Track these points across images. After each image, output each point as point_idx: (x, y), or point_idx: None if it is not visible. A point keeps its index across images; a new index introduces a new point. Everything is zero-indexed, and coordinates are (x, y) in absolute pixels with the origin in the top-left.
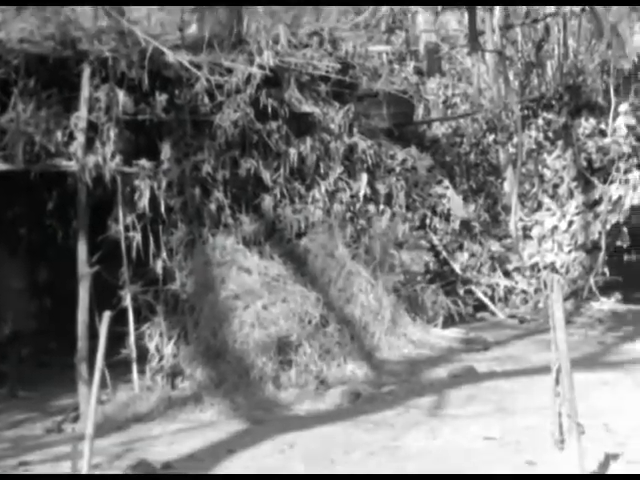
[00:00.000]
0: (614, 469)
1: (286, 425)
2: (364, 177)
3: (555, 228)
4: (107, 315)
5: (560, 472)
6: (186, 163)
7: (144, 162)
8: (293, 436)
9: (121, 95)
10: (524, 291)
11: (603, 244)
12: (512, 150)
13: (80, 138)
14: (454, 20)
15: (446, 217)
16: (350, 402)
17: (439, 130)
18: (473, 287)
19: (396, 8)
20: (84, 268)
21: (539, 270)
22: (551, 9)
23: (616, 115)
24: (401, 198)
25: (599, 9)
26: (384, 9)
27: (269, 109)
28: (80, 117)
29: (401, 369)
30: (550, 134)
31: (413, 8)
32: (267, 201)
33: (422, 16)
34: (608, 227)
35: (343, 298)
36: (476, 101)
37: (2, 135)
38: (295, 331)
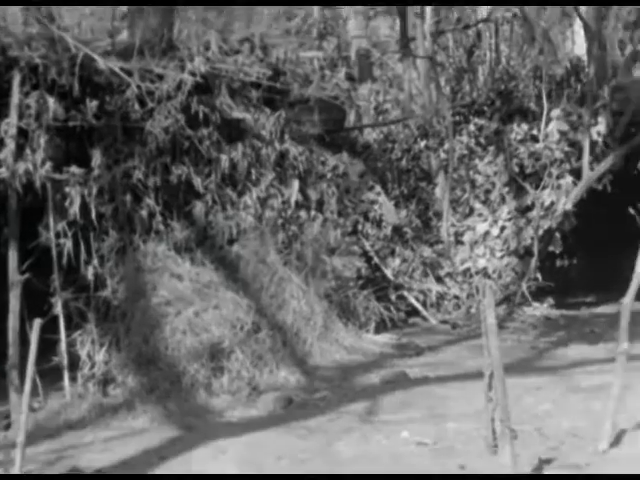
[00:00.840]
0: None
1: (219, 432)
2: (295, 183)
3: (487, 234)
4: (38, 322)
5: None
6: (117, 170)
7: (75, 169)
8: (226, 442)
9: (51, 102)
10: (456, 296)
11: (535, 250)
12: (443, 156)
13: (10, 145)
14: (385, 26)
15: (378, 223)
16: (283, 408)
17: (371, 136)
18: (405, 293)
19: (328, 14)
20: (15, 275)
21: (471, 276)
22: (483, 15)
23: (548, 121)
24: (333, 204)
25: (531, 15)
26: (316, 15)
27: (200, 115)
28: (10, 124)
29: (333, 375)
30: (482, 140)
31: (344, 14)
32: (198, 207)
33: (353, 22)
34: (540, 233)
35: (275, 304)
36: (407, 107)
37: None
38: (227, 337)
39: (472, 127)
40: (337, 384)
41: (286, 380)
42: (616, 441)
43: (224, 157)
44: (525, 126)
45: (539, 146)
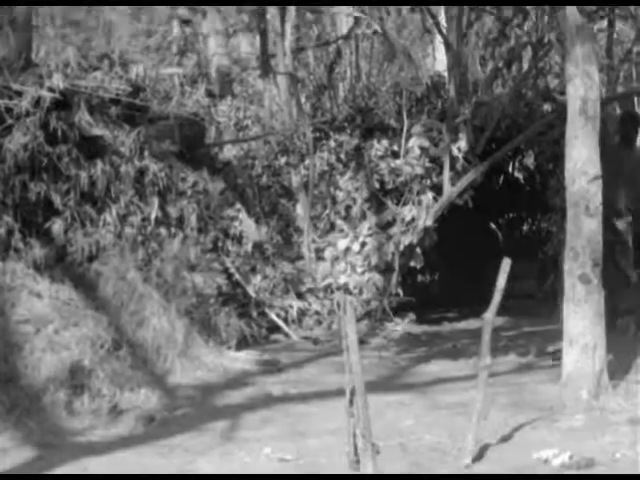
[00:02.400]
0: None
1: (79, 451)
2: (155, 200)
3: (348, 249)
4: None
5: None
6: None
7: None
8: (87, 462)
9: None
10: (318, 312)
11: (396, 265)
12: (304, 172)
13: None
14: (246, 43)
15: (238, 240)
16: (144, 426)
17: (231, 153)
18: (266, 309)
19: (188, 31)
20: None
21: (332, 291)
22: (343, 31)
23: (409, 137)
24: (193, 221)
25: (391, 32)
26: (175, 32)
27: (59, 132)
28: None
29: (195, 392)
30: (342, 156)
31: (205, 31)
32: (58, 225)
33: (214, 39)
34: (401, 248)
35: (135, 321)
36: (268, 123)
37: None
38: (87, 355)
39: (333, 143)
40: (198, 401)
41: (147, 398)
42: (479, 456)
43: (83, 174)
44: (385, 142)
45: (400, 162)
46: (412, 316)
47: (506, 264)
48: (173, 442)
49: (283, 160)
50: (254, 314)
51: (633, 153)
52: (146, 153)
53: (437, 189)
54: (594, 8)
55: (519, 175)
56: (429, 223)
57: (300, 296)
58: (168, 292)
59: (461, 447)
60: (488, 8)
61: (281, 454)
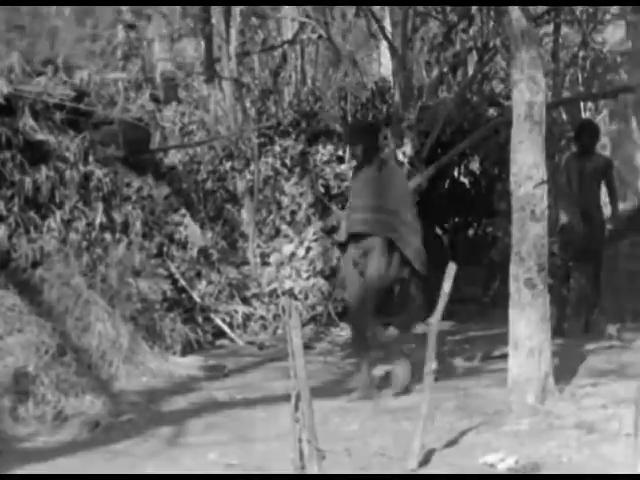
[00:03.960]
0: None
1: (24, 457)
2: (100, 206)
3: (293, 255)
4: None
5: None
6: None
7: None
8: (31, 468)
9: None
10: (263, 317)
11: None
12: (249, 177)
13: None
14: (190, 48)
15: (183, 245)
16: (89, 432)
17: (176, 157)
18: (212, 314)
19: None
20: None
21: (277, 296)
22: (288, 36)
23: None
24: (138, 226)
25: (337, 37)
26: (120, 37)
27: (3, 138)
28: None
29: (140, 398)
30: (287, 161)
31: (149, 36)
32: (1, 231)
33: (158, 44)
34: None
35: (80, 327)
36: (213, 128)
37: None
38: (32, 362)
39: (278, 148)
40: (143, 407)
41: (92, 404)
42: (425, 460)
43: (27, 179)
44: (331, 147)
45: (345, 167)
46: None
47: (451, 269)
48: (118, 448)
49: (228, 165)
50: (199, 319)
51: (590, 161)
52: (90, 158)
53: None
54: (539, 12)
55: (464, 180)
56: None
57: (245, 301)
58: (113, 298)
59: (407, 452)
60: (433, 13)
61: (227, 459)
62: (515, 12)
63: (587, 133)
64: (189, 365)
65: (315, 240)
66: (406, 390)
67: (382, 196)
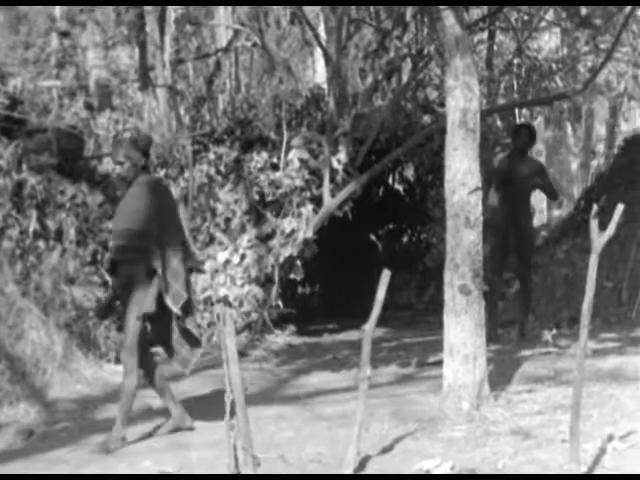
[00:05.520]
0: None
1: None
2: (34, 213)
3: (228, 262)
4: None
5: None
6: None
7: None
8: None
9: None
10: (197, 325)
11: (276, 277)
12: (183, 184)
13: None
14: (125, 55)
15: None
16: (23, 441)
17: (110, 165)
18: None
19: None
20: None
21: (212, 304)
22: (222, 44)
23: (288, 149)
24: (72, 234)
25: (271, 44)
26: (54, 44)
27: None
28: None
29: (74, 406)
30: (222, 168)
31: (83, 43)
32: None
33: (92, 51)
34: (281, 260)
35: (13, 335)
36: None
37: None
38: None
39: (212, 156)
40: (78, 415)
41: (26, 412)
42: (360, 467)
43: None
44: (265, 154)
45: (279, 174)
46: (292, 328)
47: (386, 275)
48: (52, 456)
49: (162, 172)
50: None
51: (524, 165)
52: (24, 166)
53: (317, 201)
54: (474, 19)
55: (399, 187)
56: (309, 235)
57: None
58: (47, 306)
59: (342, 458)
60: (368, 20)
61: (162, 467)
62: (449, 19)
63: (524, 135)
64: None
65: (250, 247)
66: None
67: (131, 219)
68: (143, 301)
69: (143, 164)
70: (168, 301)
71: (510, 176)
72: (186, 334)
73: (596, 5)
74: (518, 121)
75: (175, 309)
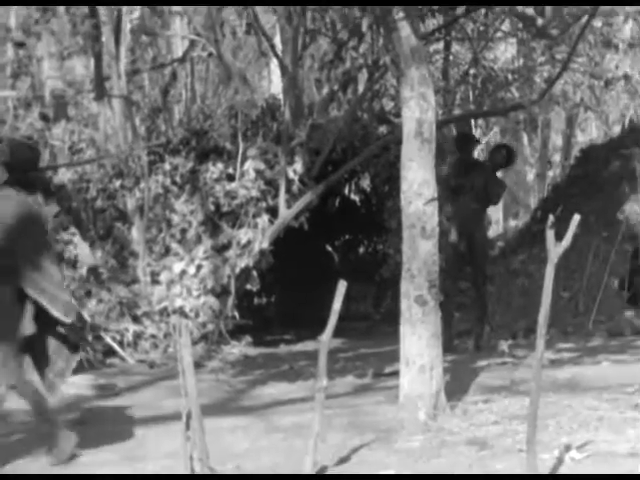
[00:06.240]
0: None
1: None
2: None
3: (184, 273)
4: None
5: None
6: None
7: None
8: None
9: None
10: (154, 336)
11: (232, 288)
12: (139, 195)
13: None
14: (80, 65)
15: (73, 264)
16: None
17: (65, 176)
18: (102, 333)
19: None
20: None
21: (168, 315)
22: (179, 54)
23: (244, 160)
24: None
25: (227, 54)
26: (9, 54)
27: None
28: None
29: (30, 417)
30: (177, 179)
31: (39, 54)
32: None
33: (48, 62)
34: (237, 271)
35: None
36: (102, 147)
37: None
38: None
39: (168, 166)
40: (34, 426)
41: None
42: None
43: None
44: (221, 165)
45: (235, 185)
46: (249, 339)
47: (342, 286)
48: (6, 468)
49: (118, 183)
50: (89, 338)
51: (475, 174)
52: None
53: (273, 212)
54: (430, 30)
55: (355, 197)
56: (265, 246)
57: (136, 320)
58: None
59: (299, 469)
60: (323, 30)
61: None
62: (405, 30)
63: (469, 143)
64: (80, 384)
65: (206, 258)
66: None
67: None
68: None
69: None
70: (55, 314)
71: (463, 188)
72: (64, 339)
73: (546, 5)
74: (474, 131)
75: (67, 320)
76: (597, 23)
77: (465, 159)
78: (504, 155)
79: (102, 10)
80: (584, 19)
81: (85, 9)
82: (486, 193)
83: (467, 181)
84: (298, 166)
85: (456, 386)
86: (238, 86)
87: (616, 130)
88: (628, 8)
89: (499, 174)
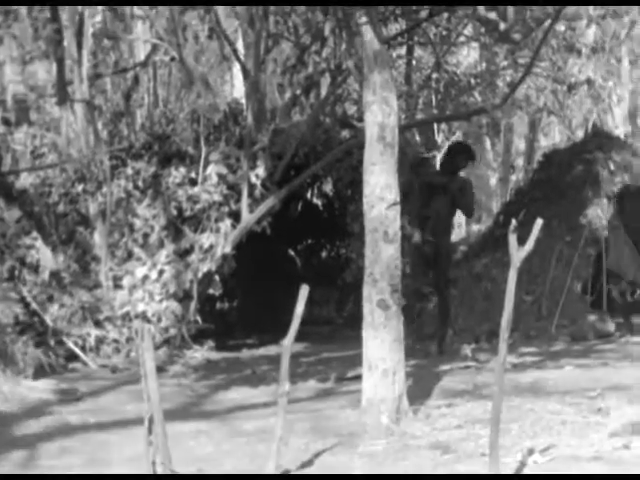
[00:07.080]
0: None
1: None
2: None
3: (146, 277)
4: None
5: None
6: None
7: None
8: None
9: None
10: (116, 340)
11: (195, 293)
12: (101, 200)
13: None
14: (42, 70)
15: (35, 268)
16: None
17: (27, 181)
18: (64, 338)
19: None
20: None
21: (130, 319)
22: (141, 58)
23: (206, 164)
24: None
25: (189, 59)
26: None
27: None
28: None
29: None
30: (140, 183)
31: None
32: None
33: (9, 66)
34: (200, 276)
35: None
36: (65, 151)
37: None
38: None
39: (130, 171)
40: None
41: None
42: None
43: None
44: (183, 170)
45: (197, 189)
46: (211, 343)
47: (304, 290)
48: None
49: (80, 188)
50: (52, 343)
51: (452, 181)
52: None
53: (235, 216)
54: (392, 34)
55: (318, 201)
56: (227, 250)
57: (98, 324)
58: None
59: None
60: (286, 34)
61: None
62: (368, 34)
63: (464, 155)
64: (42, 389)
65: (168, 263)
66: None
67: None
68: None
69: None
70: None
71: (434, 191)
72: None
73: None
74: (437, 136)
75: None
76: (560, 27)
77: (454, 168)
78: (464, 158)
79: (64, 14)
80: (547, 23)
81: (47, 13)
82: (461, 202)
83: (449, 182)
84: (260, 170)
85: (419, 390)
86: (200, 90)
87: (579, 134)
88: (591, 11)
89: (462, 174)
